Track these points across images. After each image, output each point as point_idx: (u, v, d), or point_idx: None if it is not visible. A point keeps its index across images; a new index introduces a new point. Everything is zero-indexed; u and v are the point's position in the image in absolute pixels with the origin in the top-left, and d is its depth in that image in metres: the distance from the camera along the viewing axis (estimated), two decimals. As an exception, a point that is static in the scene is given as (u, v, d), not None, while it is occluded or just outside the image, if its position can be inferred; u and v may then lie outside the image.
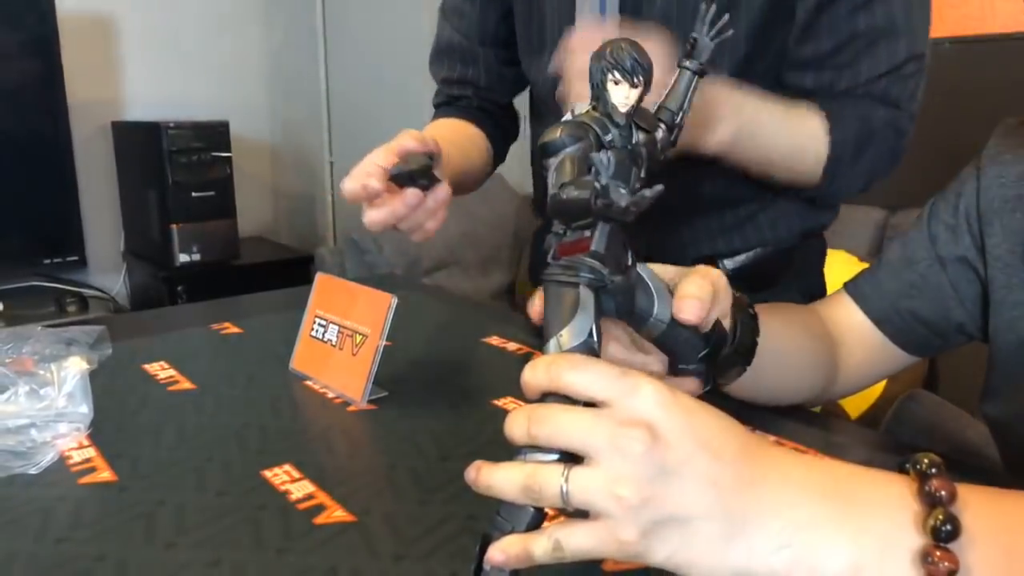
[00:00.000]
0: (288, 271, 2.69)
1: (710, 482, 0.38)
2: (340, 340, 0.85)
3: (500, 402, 0.80)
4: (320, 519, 0.59)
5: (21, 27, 2.38)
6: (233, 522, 0.58)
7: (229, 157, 2.56)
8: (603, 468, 0.38)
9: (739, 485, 0.38)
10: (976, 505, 0.38)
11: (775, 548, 0.38)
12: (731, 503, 0.38)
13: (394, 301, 0.80)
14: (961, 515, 0.37)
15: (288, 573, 0.52)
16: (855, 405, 1.84)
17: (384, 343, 0.80)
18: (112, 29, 2.79)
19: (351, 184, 0.72)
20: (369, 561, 0.53)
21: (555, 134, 0.43)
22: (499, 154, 1.15)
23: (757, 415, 0.73)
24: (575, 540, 0.39)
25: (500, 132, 1.13)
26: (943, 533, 0.37)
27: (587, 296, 0.43)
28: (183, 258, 2.51)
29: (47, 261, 2.50)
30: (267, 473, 0.66)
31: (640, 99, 0.44)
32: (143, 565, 0.53)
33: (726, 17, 0.52)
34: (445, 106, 1.15)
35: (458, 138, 1.04)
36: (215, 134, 2.54)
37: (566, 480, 0.38)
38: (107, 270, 2.77)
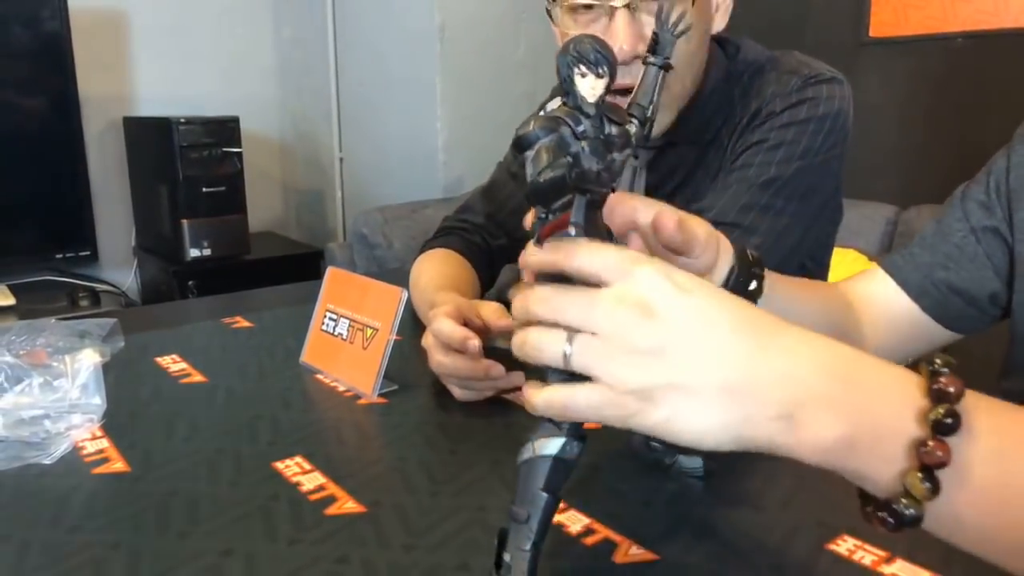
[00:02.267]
0: (298, 266, 2.70)
1: (707, 353, 0.39)
2: (351, 334, 0.86)
3: (509, 395, 0.81)
4: (331, 510, 0.59)
5: (33, 23, 2.39)
6: (245, 512, 0.59)
7: (239, 152, 2.56)
8: (602, 340, 0.40)
9: (738, 356, 0.39)
10: (982, 408, 0.39)
11: (773, 417, 0.39)
12: (729, 373, 0.39)
13: (404, 295, 0.81)
14: (966, 414, 0.37)
15: (299, 563, 0.52)
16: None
17: (395, 337, 0.81)
18: (123, 24, 2.80)
19: (459, 333, 0.75)
20: (379, 552, 0.54)
21: (528, 128, 0.44)
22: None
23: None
24: (578, 400, 0.40)
25: (489, 275, 1.15)
26: (944, 426, 0.37)
27: None
28: (194, 253, 2.52)
29: (59, 256, 2.51)
30: (278, 465, 0.66)
31: (607, 90, 0.45)
32: (156, 553, 0.54)
33: (686, 15, 0.53)
34: (450, 234, 1.15)
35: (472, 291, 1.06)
36: (225, 129, 2.55)
37: (569, 343, 0.40)
38: (118, 265, 2.78)
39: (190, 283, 2.51)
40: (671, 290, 0.40)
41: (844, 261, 1.73)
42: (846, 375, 0.40)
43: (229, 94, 2.98)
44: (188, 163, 2.47)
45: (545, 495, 0.44)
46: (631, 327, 0.39)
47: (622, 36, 0.82)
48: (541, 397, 0.42)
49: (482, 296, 1.15)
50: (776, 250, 0.87)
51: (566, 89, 0.45)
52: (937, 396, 0.38)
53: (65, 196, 2.50)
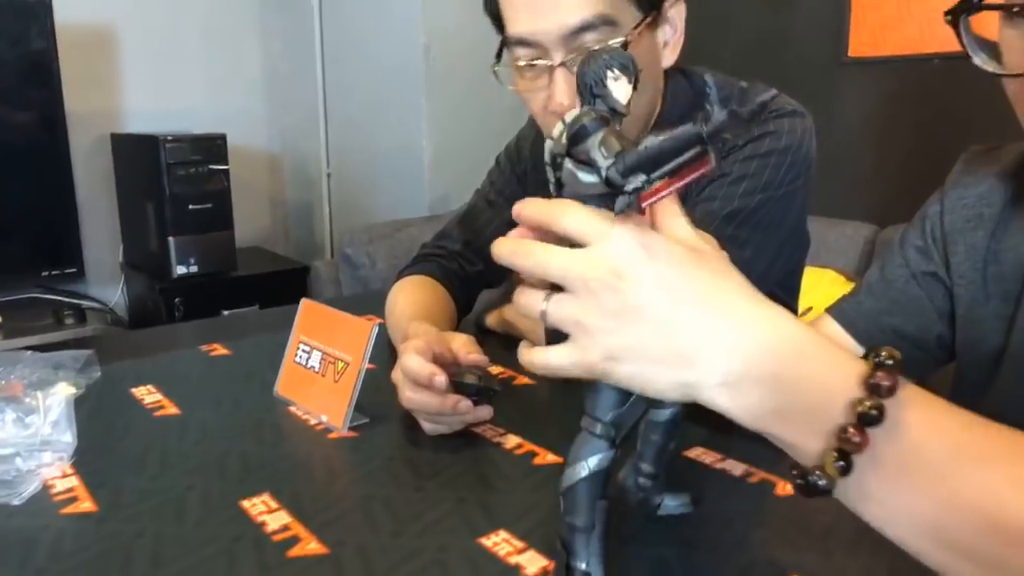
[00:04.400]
0: (285, 282, 2.71)
1: (665, 320, 0.43)
2: (323, 366, 0.87)
3: (479, 429, 0.82)
4: (294, 551, 0.60)
5: (20, 38, 2.40)
6: (209, 554, 0.60)
7: (226, 170, 2.57)
8: (575, 298, 0.44)
9: (692, 325, 0.43)
10: (916, 402, 0.42)
11: (717, 383, 0.43)
12: (683, 340, 0.43)
13: (375, 329, 0.82)
14: (898, 408, 0.41)
15: (259, 607, 0.53)
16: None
17: (367, 367, 0.82)
18: (111, 40, 2.81)
19: (426, 369, 0.76)
20: (339, 595, 0.54)
21: (584, 120, 0.45)
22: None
23: (723, 442, 0.75)
24: (552, 358, 0.46)
25: (465, 300, 1.16)
26: (868, 418, 0.41)
27: None
28: (181, 270, 2.53)
29: (45, 273, 2.51)
30: (245, 503, 0.67)
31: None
32: (119, 599, 0.54)
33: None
34: (427, 261, 1.17)
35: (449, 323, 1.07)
36: (212, 147, 2.56)
37: (546, 301, 0.45)
38: (105, 281, 2.79)
39: (177, 300, 2.52)
40: (641, 256, 0.43)
41: (823, 281, 1.74)
42: (790, 354, 0.43)
43: (217, 109, 2.99)
44: (175, 180, 2.49)
45: (604, 502, 0.51)
46: (600, 289, 0.43)
47: (560, 93, 0.84)
48: (526, 359, 0.47)
49: (459, 321, 1.16)
50: None
51: (596, 93, 0.46)
52: (871, 388, 0.41)
53: (52, 213, 2.51)
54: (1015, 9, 0.48)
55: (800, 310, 1.34)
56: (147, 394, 0.92)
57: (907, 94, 2.09)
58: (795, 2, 2.30)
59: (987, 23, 0.55)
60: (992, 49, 0.54)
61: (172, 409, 0.88)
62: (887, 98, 2.15)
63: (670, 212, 0.46)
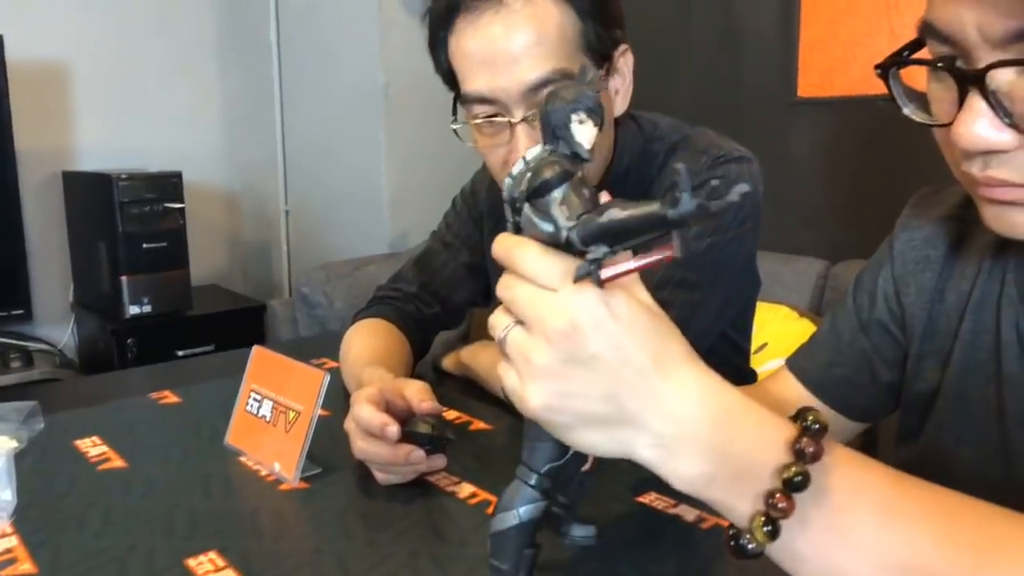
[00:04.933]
0: (242, 321, 2.66)
1: (613, 380, 0.44)
2: (274, 416, 0.85)
3: (433, 478, 0.81)
4: (240, 613, 0.58)
5: (-31, 76, 2.36)
6: (151, 618, 0.58)
7: (182, 208, 2.54)
8: (531, 336, 0.45)
9: (637, 388, 0.44)
10: (841, 465, 0.44)
11: (651, 444, 0.44)
12: (625, 400, 0.44)
13: (327, 378, 0.81)
14: (824, 472, 0.43)
15: (202, 674, 0.52)
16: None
17: (320, 414, 0.81)
18: (64, 78, 2.77)
19: (377, 419, 0.75)
20: (285, 659, 0.53)
21: (546, 173, 0.44)
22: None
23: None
24: (507, 380, 0.47)
25: (421, 342, 1.16)
26: (793, 484, 0.42)
27: None
28: (133, 310, 2.48)
29: (-9, 315, 2.45)
30: (191, 562, 0.65)
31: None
32: (54, 669, 0.52)
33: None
34: (382, 303, 1.16)
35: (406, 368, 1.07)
36: (168, 185, 2.52)
37: (506, 331, 0.47)
38: (55, 322, 2.72)
39: (129, 340, 2.46)
40: (603, 314, 0.44)
41: (777, 317, 1.77)
42: (723, 423, 0.44)
43: (174, 146, 2.96)
44: (128, 219, 2.45)
45: (531, 551, 0.52)
46: (555, 336, 0.44)
47: (523, 149, 0.85)
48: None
49: (416, 364, 1.15)
50: (693, 323, 0.90)
51: (559, 135, 0.45)
52: (797, 455, 0.43)
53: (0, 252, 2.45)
54: (939, 65, 0.50)
55: (754, 347, 1.36)
56: (92, 446, 0.90)
57: (854, 133, 2.16)
58: (745, 45, 2.37)
59: (917, 74, 0.57)
60: (922, 100, 0.57)
61: (118, 462, 0.86)
62: (836, 136, 2.21)
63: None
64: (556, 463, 0.50)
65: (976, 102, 0.48)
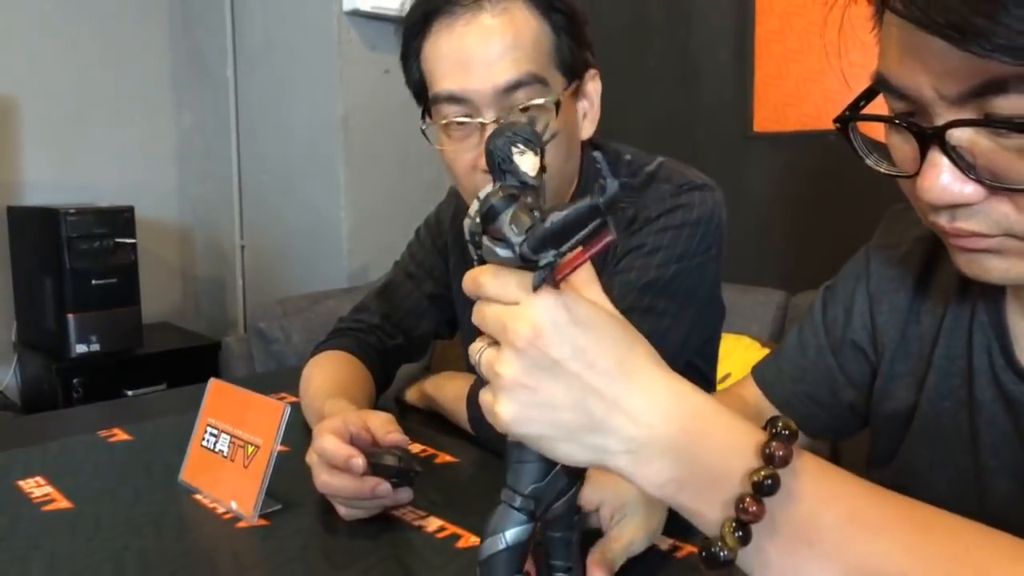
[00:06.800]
0: (195, 359, 2.59)
1: (579, 385, 0.44)
2: (232, 450, 0.82)
3: (399, 512, 0.78)
4: (195, 660, 0.55)
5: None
6: (98, 669, 0.54)
7: (134, 243, 2.48)
8: (499, 351, 0.45)
9: (602, 394, 0.44)
10: (809, 471, 0.43)
11: (621, 451, 0.44)
12: (594, 407, 0.44)
13: (287, 410, 0.78)
14: (794, 477, 0.43)
15: None
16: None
17: (279, 449, 0.77)
18: (11, 112, 2.71)
19: (342, 451, 0.73)
20: None
21: (492, 200, 0.45)
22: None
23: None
24: (483, 398, 0.47)
25: (384, 374, 1.13)
26: (763, 487, 0.42)
27: None
28: (81, 348, 2.39)
29: (-72, 355, 2.34)
30: (142, 606, 0.61)
31: (540, 167, 0.47)
32: None
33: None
34: (343, 335, 1.13)
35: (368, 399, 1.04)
36: (119, 219, 2.47)
37: (480, 353, 0.47)
38: (-4, 362, 2.62)
39: (75, 380, 2.38)
40: (563, 317, 0.44)
41: (738, 347, 1.78)
42: (692, 427, 0.44)
43: (126, 180, 2.90)
44: (76, 254, 2.38)
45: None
46: (521, 345, 0.44)
47: None
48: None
49: (378, 397, 1.12)
50: (660, 349, 0.89)
51: (504, 168, 0.47)
52: (766, 459, 0.42)
53: (-62, 291, 2.35)
54: (896, 121, 0.50)
55: (718, 377, 1.36)
56: (36, 487, 0.85)
57: (808, 166, 2.20)
58: (702, 81, 2.42)
59: (875, 125, 0.57)
60: (883, 150, 0.57)
61: (63, 503, 0.81)
62: (790, 170, 2.25)
63: (586, 279, 0.47)
64: (539, 484, 0.49)
65: (938, 158, 0.48)
